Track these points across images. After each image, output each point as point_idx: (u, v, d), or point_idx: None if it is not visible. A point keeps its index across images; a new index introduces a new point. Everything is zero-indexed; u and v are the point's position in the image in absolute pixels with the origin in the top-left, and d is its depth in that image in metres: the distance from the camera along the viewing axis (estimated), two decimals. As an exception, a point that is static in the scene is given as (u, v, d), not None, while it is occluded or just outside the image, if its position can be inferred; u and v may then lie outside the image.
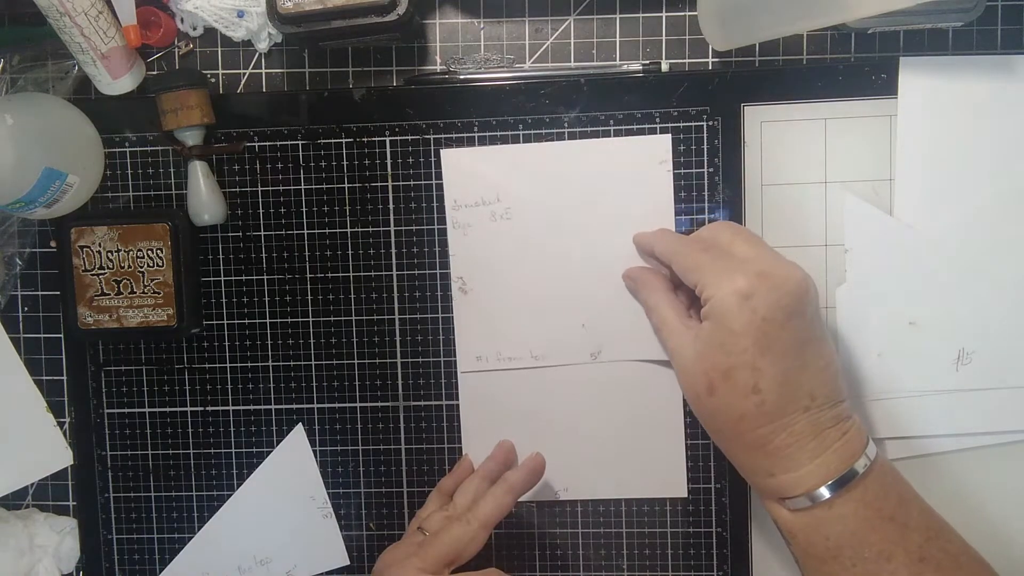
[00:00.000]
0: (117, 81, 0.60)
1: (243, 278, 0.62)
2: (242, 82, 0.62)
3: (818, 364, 0.47)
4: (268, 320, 0.62)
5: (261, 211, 0.62)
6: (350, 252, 0.61)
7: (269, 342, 0.62)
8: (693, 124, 0.59)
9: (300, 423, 0.62)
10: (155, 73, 0.62)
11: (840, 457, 0.47)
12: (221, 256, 0.62)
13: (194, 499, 0.63)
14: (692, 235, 0.53)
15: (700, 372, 0.48)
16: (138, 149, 0.62)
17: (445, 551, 0.51)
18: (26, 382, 0.63)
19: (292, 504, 0.63)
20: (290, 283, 0.62)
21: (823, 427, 0.47)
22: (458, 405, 0.61)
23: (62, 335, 0.63)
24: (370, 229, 0.61)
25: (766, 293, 0.46)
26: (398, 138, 0.61)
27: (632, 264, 0.59)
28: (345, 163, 0.61)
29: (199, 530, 0.63)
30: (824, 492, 0.46)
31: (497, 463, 0.59)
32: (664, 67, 0.59)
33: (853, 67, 0.58)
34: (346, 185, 0.61)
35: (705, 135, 0.59)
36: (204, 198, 0.60)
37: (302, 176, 0.61)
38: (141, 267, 0.60)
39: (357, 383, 0.62)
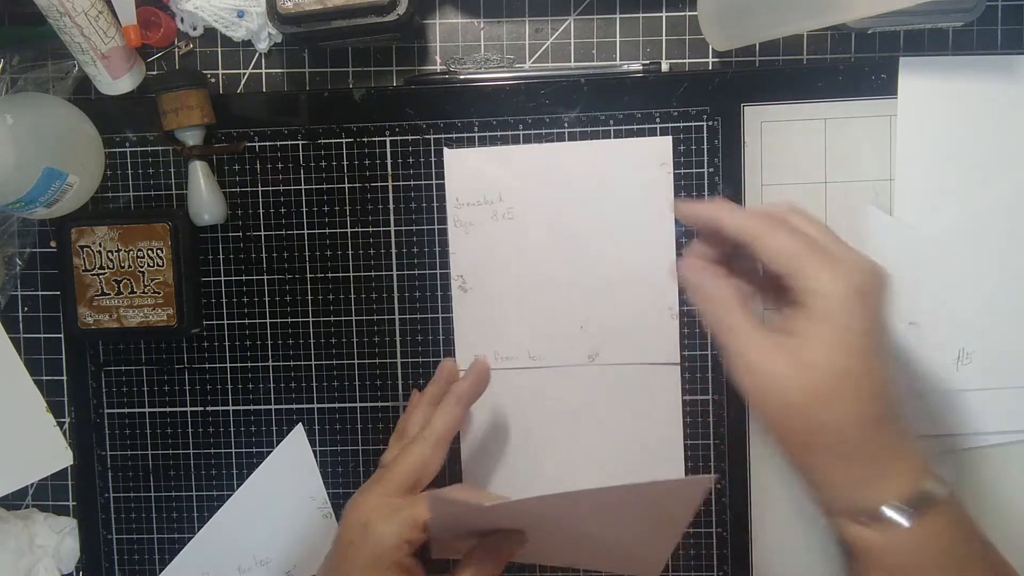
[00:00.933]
0: (117, 81, 0.60)
1: (243, 278, 0.62)
2: (242, 82, 0.62)
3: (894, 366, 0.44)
4: (268, 320, 0.62)
5: (261, 211, 0.62)
6: (350, 252, 0.61)
7: (269, 342, 0.62)
8: (693, 124, 0.59)
9: (300, 423, 0.62)
10: (155, 73, 0.62)
11: (927, 468, 0.43)
12: (221, 256, 0.62)
13: (194, 499, 0.63)
14: (762, 211, 0.46)
15: (810, 382, 0.42)
16: (138, 149, 0.62)
17: (406, 473, 0.50)
18: (26, 382, 0.63)
19: (292, 504, 0.63)
20: (290, 283, 0.62)
21: (909, 434, 0.44)
22: (458, 405, 0.61)
23: (62, 335, 0.63)
24: (370, 229, 0.61)
25: (879, 291, 0.43)
26: (398, 138, 0.61)
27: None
28: (345, 163, 0.61)
29: (199, 530, 0.63)
30: (918, 503, 0.42)
31: (440, 386, 0.57)
32: (664, 67, 0.59)
33: (853, 67, 0.58)
34: (346, 185, 0.61)
35: (705, 135, 0.59)
36: (204, 198, 0.60)
37: (302, 176, 0.61)
38: (141, 267, 0.60)
39: (357, 383, 0.62)
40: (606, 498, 0.46)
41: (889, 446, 0.43)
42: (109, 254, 0.60)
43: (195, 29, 0.61)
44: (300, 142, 0.61)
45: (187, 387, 0.63)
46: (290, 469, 0.62)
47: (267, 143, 0.61)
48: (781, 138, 0.59)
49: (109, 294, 0.60)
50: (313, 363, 0.62)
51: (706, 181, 0.59)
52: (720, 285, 0.46)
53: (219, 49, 0.62)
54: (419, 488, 0.51)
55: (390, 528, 0.48)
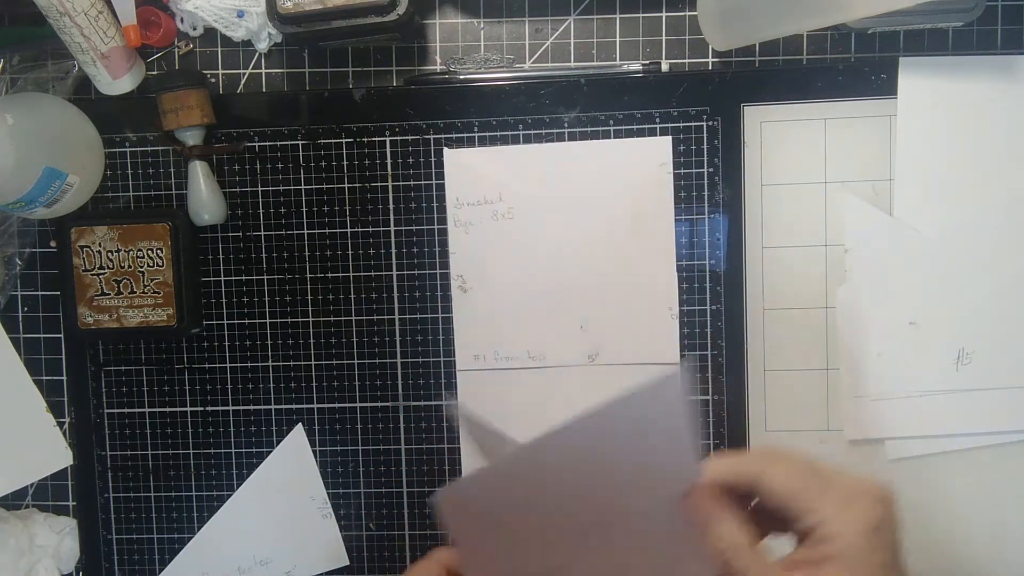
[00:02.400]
0: (117, 81, 0.60)
1: (243, 278, 0.62)
2: (242, 82, 0.62)
3: None
4: (268, 320, 0.62)
5: (261, 211, 0.62)
6: (350, 252, 0.61)
7: (269, 342, 0.62)
8: (693, 124, 0.59)
9: (300, 423, 0.62)
10: (155, 73, 0.62)
11: None
12: (221, 256, 0.62)
13: (194, 499, 0.63)
14: (755, 452, 0.44)
15: None
16: (138, 149, 0.62)
17: None
18: (26, 382, 0.63)
19: (292, 504, 0.62)
20: (290, 283, 0.62)
21: None
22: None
23: (62, 335, 0.63)
24: (370, 229, 0.61)
25: (892, 520, 0.41)
26: (398, 138, 0.61)
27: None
28: (345, 163, 0.61)
29: (199, 530, 0.63)
30: None
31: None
32: (664, 67, 0.59)
33: (853, 67, 0.58)
34: (346, 185, 0.61)
35: (705, 135, 0.59)
36: (204, 198, 0.60)
37: (302, 176, 0.61)
38: (141, 267, 0.60)
39: (357, 383, 0.62)
40: (588, 429, 0.43)
41: None
42: (109, 254, 0.60)
43: (195, 29, 0.61)
44: (300, 142, 0.61)
45: (187, 387, 0.63)
46: (290, 469, 0.62)
47: (267, 143, 0.61)
48: (781, 138, 0.59)
49: (109, 294, 0.60)
50: (313, 363, 0.62)
51: (706, 181, 0.59)
52: (733, 523, 0.43)
53: (219, 49, 0.62)
54: None
55: None
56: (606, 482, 0.45)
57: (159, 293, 0.60)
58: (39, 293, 0.63)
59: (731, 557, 0.42)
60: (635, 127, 0.59)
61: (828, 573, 0.39)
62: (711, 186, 0.59)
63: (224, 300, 0.62)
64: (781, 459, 0.42)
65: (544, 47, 0.61)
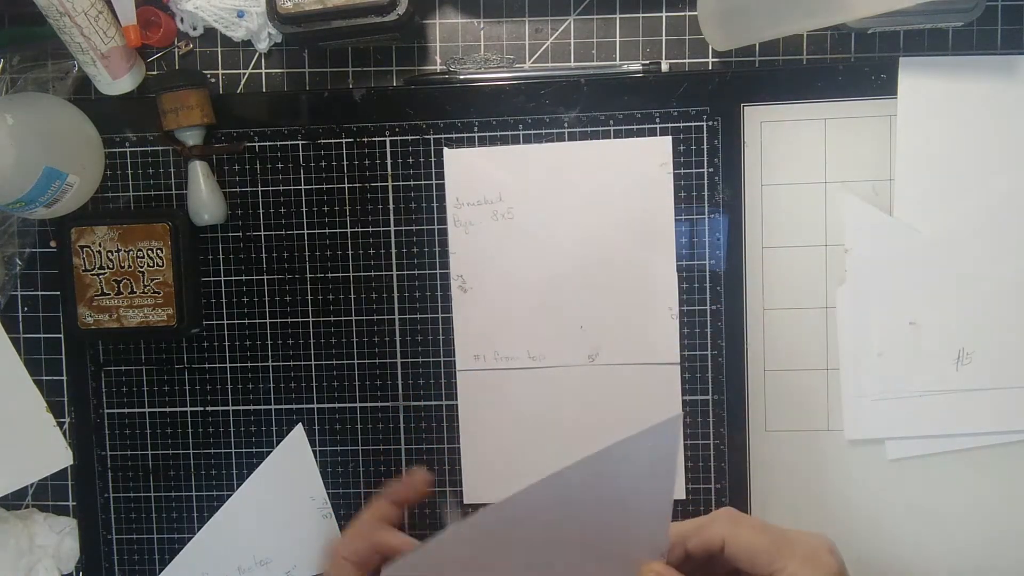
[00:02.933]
0: (117, 81, 0.60)
1: (243, 278, 0.62)
2: (242, 82, 0.62)
3: None
4: (268, 320, 0.62)
5: (261, 211, 0.62)
6: (350, 252, 0.61)
7: (269, 342, 0.62)
8: (693, 124, 0.59)
9: (300, 423, 0.62)
10: (155, 73, 0.62)
11: None
12: (221, 256, 0.62)
13: (194, 499, 0.63)
14: (712, 516, 0.46)
15: None
16: (138, 149, 0.62)
17: None
18: (26, 382, 0.63)
19: (292, 504, 0.63)
20: (290, 283, 0.62)
21: None
22: (458, 405, 0.61)
23: (62, 335, 0.63)
24: (370, 229, 0.61)
25: (843, 569, 0.44)
26: (398, 138, 0.61)
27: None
28: (345, 163, 0.61)
29: (199, 530, 0.63)
30: None
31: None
32: (664, 67, 0.59)
33: (853, 67, 0.58)
34: (346, 185, 0.61)
35: (705, 135, 0.59)
36: (204, 198, 0.60)
37: (302, 176, 0.61)
38: (141, 267, 0.60)
39: (357, 383, 0.62)
40: (574, 479, 0.43)
41: None
42: (109, 254, 0.60)
43: (195, 29, 0.61)
44: (300, 142, 0.61)
45: (187, 387, 0.63)
46: (290, 469, 0.62)
47: (267, 143, 0.61)
48: (781, 138, 0.59)
49: (109, 294, 0.60)
50: (313, 363, 0.62)
51: (706, 181, 0.59)
52: None
53: (219, 49, 0.62)
54: None
55: None
56: (573, 540, 0.45)
57: (159, 293, 0.60)
58: (39, 293, 0.64)
59: None
60: (635, 127, 0.59)
61: None
62: (711, 186, 0.59)
63: (224, 300, 0.62)
64: (742, 521, 0.45)
65: (544, 47, 0.61)
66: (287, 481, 0.63)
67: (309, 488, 0.62)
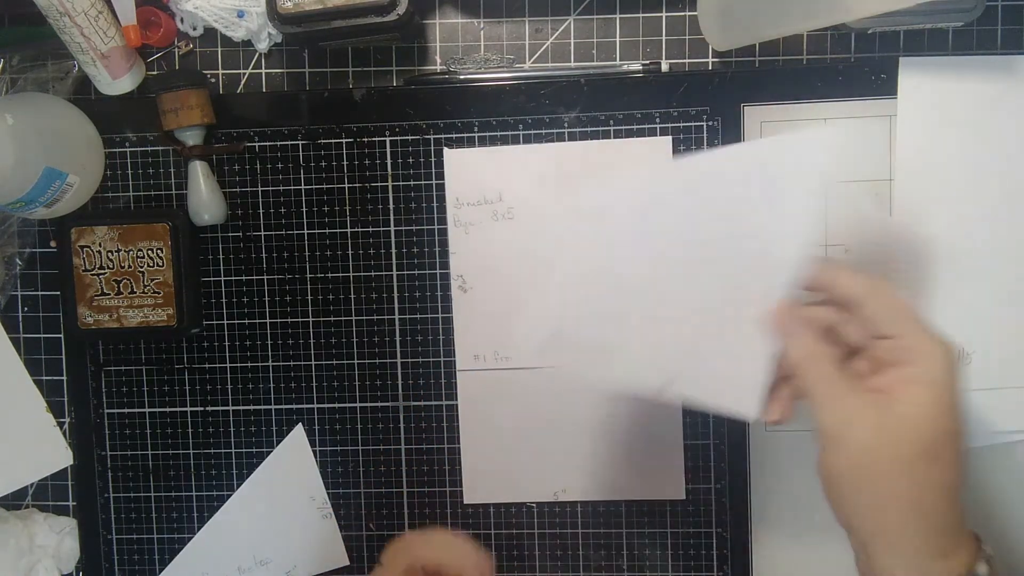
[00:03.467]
0: (117, 81, 0.60)
1: (243, 278, 0.62)
2: (242, 82, 0.62)
3: None
4: (268, 320, 0.62)
5: (261, 211, 0.62)
6: (350, 252, 0.61)
7: (269, 342, 0.62)
8: (693, 124, 0.59)
9: (300, 423, 0.62)
10: (155, 73, 0.62)
11: (982, 548, 0.44)
12: (221, 256, 0.62)
13: (194, 499, 0.63)
14: (865, 276, 0.45)
15: (920, 443, 0.41)
16: (138, 149, 0.62)
17: None
18: (26, 382, 0.63)
19: (292, 504, 0.63)
20: (290, 283, 0.62)
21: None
22: (458, 405, 0.61)
23: (62, 335, 0.63)
24: (370, 229, 0.61)
25: (960, 364, 0.43)
26: (398, 138, 0.61)
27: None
28: (345, 163, 0.61)
29: (199, 530, 0.63)
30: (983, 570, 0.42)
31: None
32: (664, 67, 0.59)
33: (853, 67, 0.58)
34: (346, 185, 0.61)
35: (705, 135, 0.59)
36: (204, 198, 0.60)
37: (302, 176, 0.61)
38: (141, 267, 0.60)
39: (357, 383, 0.62)
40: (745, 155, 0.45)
41: (961, 519, 0.43)
42: (109, 254, 0.60)
43: (195, 29, 0.61)
44: (300, 142, 0.61)
45: (187, 387, 0.63)
46: (290, 469, 0.62)
47: (267, 143, 0.61)
48: (781, 138, 0.59)
49: (109, 294, 0.60)
50: (313, 363, 0.62)
51: (706, 181, 0.59)
52: (813, 336, 0.45)
53: (219, 49, 0.62)
54: None
55: None
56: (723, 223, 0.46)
57: (159, 293, 0.60)
58: (39, 293, 0.64)
59: (805, 368, 0.44)
60: (635, 127, 0.59)
61: (909, 387, 0.42)
62: (711, 186, 0.59)
63: (224, 300, 0.62)
64: (885, 289, 0.44)
65: (544, 47, 0.61)
66: (287, 481, 0.63)
67: (309, 488, 0.62)
